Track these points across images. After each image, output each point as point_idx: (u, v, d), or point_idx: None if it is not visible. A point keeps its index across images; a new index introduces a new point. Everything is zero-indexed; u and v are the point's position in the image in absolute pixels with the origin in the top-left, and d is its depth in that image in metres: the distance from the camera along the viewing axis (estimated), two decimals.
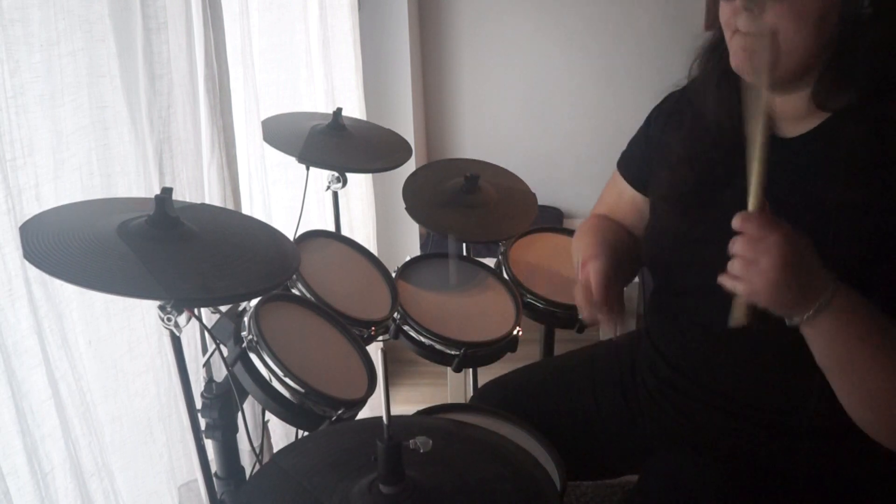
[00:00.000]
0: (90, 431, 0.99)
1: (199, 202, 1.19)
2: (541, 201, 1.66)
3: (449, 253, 1.45)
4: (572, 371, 1.28)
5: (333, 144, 1.47)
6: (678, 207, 1.05)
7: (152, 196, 0.95)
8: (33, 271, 0.86)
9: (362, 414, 1.08)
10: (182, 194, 1.16)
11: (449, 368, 1.31)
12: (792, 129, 0.94)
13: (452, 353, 1.30)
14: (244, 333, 1.01)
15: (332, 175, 1.48)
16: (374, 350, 1.17)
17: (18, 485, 0.88)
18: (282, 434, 1.53)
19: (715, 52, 0.99)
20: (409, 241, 2.58)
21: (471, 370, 1.73)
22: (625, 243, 1.17)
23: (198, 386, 1.08)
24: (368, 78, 2.12)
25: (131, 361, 1.15)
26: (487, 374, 1.39)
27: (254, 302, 1.06)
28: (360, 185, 2.02)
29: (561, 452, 1.05)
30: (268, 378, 0.99)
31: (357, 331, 1.20)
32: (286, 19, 1.70)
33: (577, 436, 1.20)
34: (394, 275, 1.39)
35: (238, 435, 1.12)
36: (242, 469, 1.16)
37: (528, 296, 1.43)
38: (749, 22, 0.87)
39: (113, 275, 0.85)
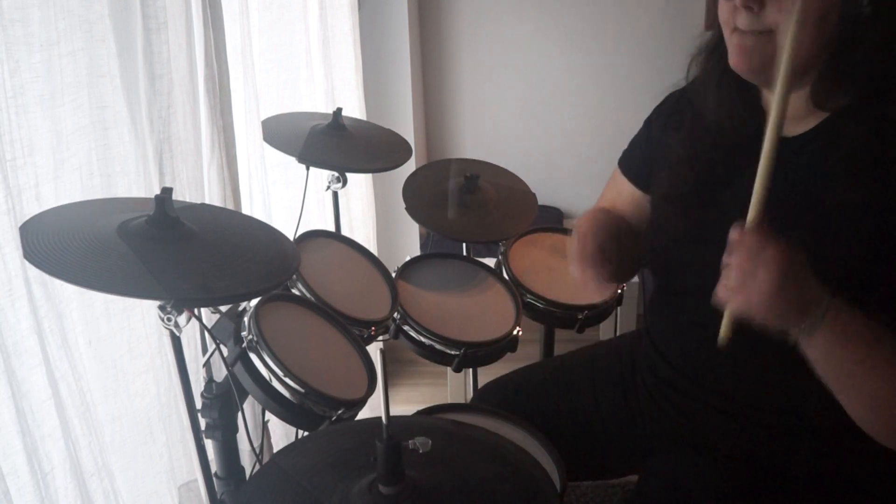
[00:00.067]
0: (90, 431, 0.99)
1: (199, 202, 1.19)
2: (541, 201, 1.66)
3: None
4: (572, 371, 1.28)
5: (333, 144, 1.47)
6: (678, 207, 1.05)
7: (152, 196, 0.95)
8: (33, 271, 0.86)
9: (362, 414, 1.08)
10: (182, 194, 1.16)
11: (449, 368, 1.31)
12: (792, 128, 0.94)
13: (452, 353, 1.30)
14: (244, 333, 1.01)
15: (332, 175, 1.48)
16: (375, 350, 1.17)
17: (18, 485, 0.88)
18: (282, 434, 1.53)
19: (715, 52, 0.99)
20: (409, 241, 2.58)
21: (471, 370, 1.73)
22: (622, 220, 1.18)
23: (198, 386, 1.08)
24: (368, 78, 2.12)
25: (131, 361, 1.15)
26: (487, 374, 1.39)
27: (254, 302, 1.06)
28: (360, 185, 2.02)
29: (561, 452, 1.05)
30: (268, 378, 0.99)
31: (357, 331, 1.20)
32: (286, 19, 1.70)
33: (577, 436, 1.20)
34: (394, 275, 1.39)
35: (238, 435, 1.12)
36: (242, 469, 1.16)
37: (528, 296, 1.43)
38: (748, 20, 0.87)
39: (113, 275, 0.85)
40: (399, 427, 0.73)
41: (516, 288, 1.43)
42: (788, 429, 0.97)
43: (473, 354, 1.31)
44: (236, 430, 1.11)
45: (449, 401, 1.55)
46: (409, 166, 1.56)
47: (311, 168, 1.47)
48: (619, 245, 1.10)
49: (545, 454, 1.06)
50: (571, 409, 1.22)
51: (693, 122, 1.05)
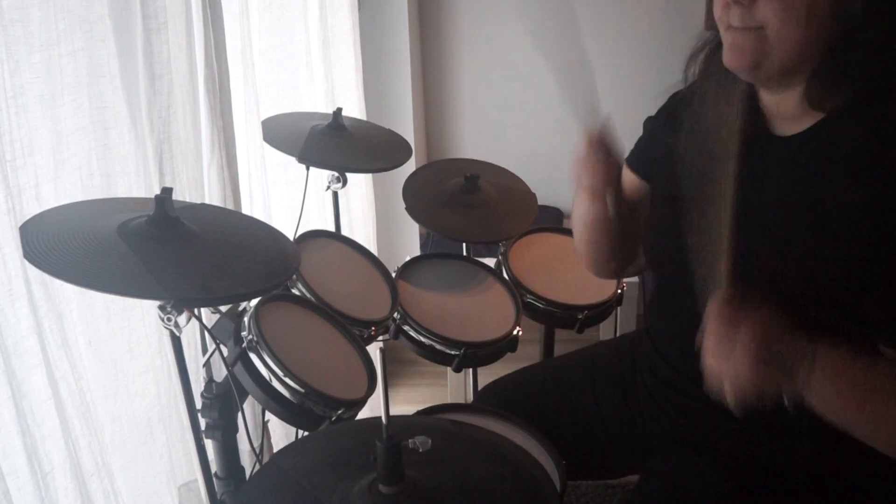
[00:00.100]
0: (90, 431, 0.99)
1: (199, 202, 1.19)
2: (541, 201, 1.66)
3: None
4: (572, 371, 1.28)
5: (333, 144, 1.47)
6: (677, 207, 1.05)
7: (152, 196, 0.95)
8: (33, 271, 0.86)
9: (362, 414, 1.08)
10: (182, 194, 1.16)
11: (449, 368, 1.31)
12: (788, 127, 0.94)
13: (452, 353, 1.30)
14: (244, 333, 1.01)
15: (332, 175, 1.48)
16: (374, 350, 1.17)
17: (18, 485, 0.88)
18: (282, 434, 1.53)
19: (713, 53, 0.99)
20: (409, 241, 2.57)
21: (471, 370, 1.73)
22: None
23: (198, 386, 1.08)
24: (368, 78, 2.12)
25: (131, 361, 1.15)
26: (487, 374, 1.39)
27: (254, 302, 1.06)
28: (360, 185, 2.02)
29: (561, 452, 1.05)
30: (268, 378, 1.00)
31: (357, 331, 1.20)
32: (286, 19, 1.70)
33: (577, 436, 1.20)
34: (394, 275, 1.39)
35: (238, 435, 1.12)
36: (242, 469, 1.16)
37: (528, 296, 1.43)
38: (740, 16, 0.86)
39: (113, 275, 0.85)
40: (399, 427, 0.73)
41: (516, 288, 1.43)
42: (788, 429, 0.97)
43: (473, 354, 1.31)
44: (236, 430, 1.11)
45: (449, 401, 1.55)
46: (409, 166, 1.56)
47: (311, 168, 1.47)
48: (620, 198, 1.10)
49: (545, 454, 1.06)
50: (571, 409, 1.22)
51: (693, 122, 1.04)
